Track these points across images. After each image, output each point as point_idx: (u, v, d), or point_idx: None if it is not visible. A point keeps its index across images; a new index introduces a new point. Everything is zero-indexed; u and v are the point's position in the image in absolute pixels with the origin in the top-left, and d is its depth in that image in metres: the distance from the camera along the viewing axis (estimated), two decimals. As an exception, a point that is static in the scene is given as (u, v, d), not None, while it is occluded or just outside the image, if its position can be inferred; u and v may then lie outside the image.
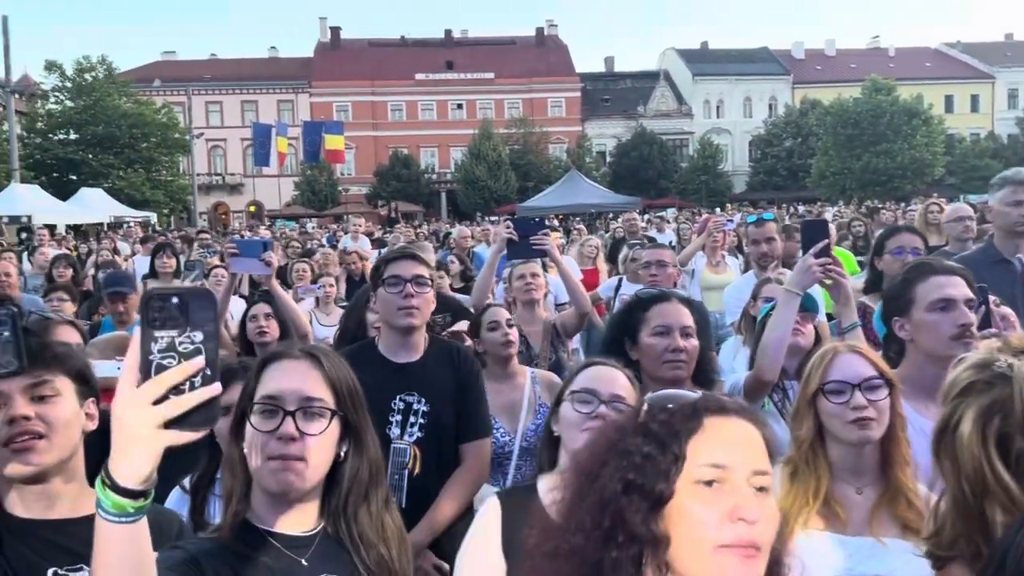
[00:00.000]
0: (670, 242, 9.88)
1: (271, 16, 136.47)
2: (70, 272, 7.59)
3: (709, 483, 1.17)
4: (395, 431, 2.83)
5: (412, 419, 2.83)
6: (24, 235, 21.45)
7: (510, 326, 3.60)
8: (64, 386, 1.76)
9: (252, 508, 1.56)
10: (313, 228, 27.90)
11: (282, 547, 1.53)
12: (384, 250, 11.75)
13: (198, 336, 1.07)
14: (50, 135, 43.97)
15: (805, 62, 64.65)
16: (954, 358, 2.33)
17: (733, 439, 1.21)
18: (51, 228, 22.05)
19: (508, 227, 4.06)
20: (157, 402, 1.04)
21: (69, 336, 2.99)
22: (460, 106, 61.21)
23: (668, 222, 18.51)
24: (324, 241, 17.21)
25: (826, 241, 2.76)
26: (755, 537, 1.14)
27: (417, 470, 2.82)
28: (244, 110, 58.41)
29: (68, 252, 10.51)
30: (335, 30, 64.29)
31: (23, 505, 1.72)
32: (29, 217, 23.47)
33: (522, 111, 59.61)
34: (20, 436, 1.67)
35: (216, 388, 1.07)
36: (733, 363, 4.13)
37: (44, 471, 1.70)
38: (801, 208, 32.52)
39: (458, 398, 2.90)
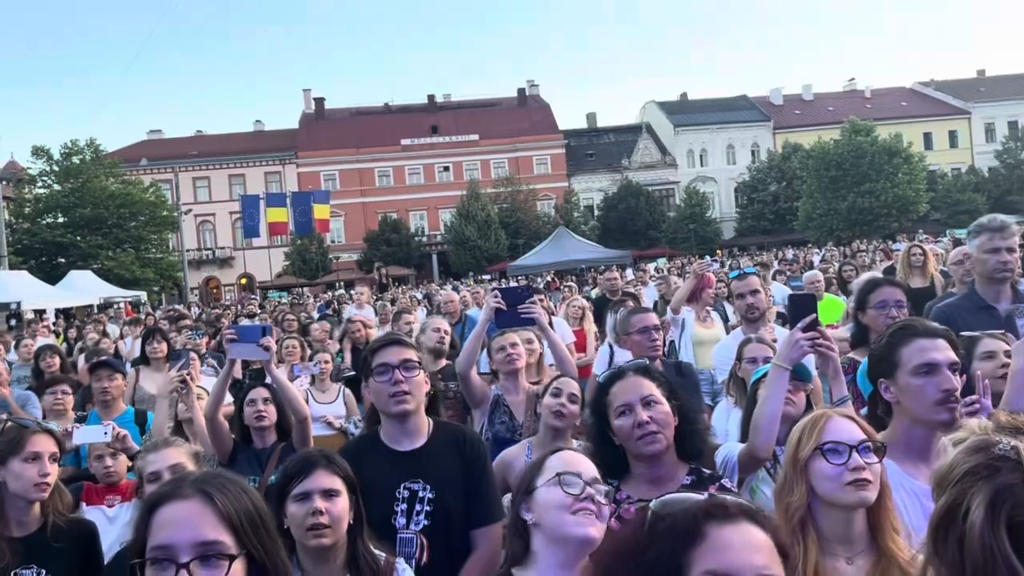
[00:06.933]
0: (654, 302, 9.83)
1: (256, 90, 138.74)
2: (57, 360, 7.47)
3: None
4: (400, 520, 2.74)
5: (418, 507, 2.75)
6: (13, 322, 21.35)
7: (572, 400, 3.60)
8: None
9: None
10: (306, 297, 27.65)
11: None
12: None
13: None
14: (38, 219, 44.16)
15: (784, 107, 65.75)
16: (939, 423, 2.33)
17: (735, 546, 1.20)
18: (40, 313, 22.02)
19: (495, 296, 4.01)
20: None
21: (45, 446, 2.93)
22: (447, 168, 61.86)
23: (652, 275, 18.36)
24: (317, 312, 17.13)
25: (813, 316, 2.74)
26: None
27: (425, 559, 2.71)
28: (232, 183, 58.87)
29: (54, 343, 10.39)
30: (319, 101, 65.32)
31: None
32: (18, 303, 23.45)
33: (508, 170, 60.25)
34: None
35: None
36: (727, 426, 4.06)
37: None
38: (790, 252, 32.77)
39: (466, 483, 2.81)
